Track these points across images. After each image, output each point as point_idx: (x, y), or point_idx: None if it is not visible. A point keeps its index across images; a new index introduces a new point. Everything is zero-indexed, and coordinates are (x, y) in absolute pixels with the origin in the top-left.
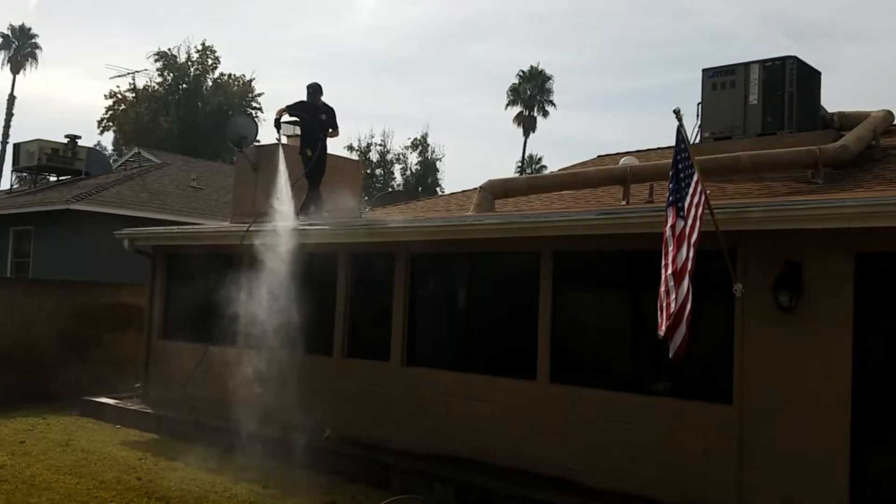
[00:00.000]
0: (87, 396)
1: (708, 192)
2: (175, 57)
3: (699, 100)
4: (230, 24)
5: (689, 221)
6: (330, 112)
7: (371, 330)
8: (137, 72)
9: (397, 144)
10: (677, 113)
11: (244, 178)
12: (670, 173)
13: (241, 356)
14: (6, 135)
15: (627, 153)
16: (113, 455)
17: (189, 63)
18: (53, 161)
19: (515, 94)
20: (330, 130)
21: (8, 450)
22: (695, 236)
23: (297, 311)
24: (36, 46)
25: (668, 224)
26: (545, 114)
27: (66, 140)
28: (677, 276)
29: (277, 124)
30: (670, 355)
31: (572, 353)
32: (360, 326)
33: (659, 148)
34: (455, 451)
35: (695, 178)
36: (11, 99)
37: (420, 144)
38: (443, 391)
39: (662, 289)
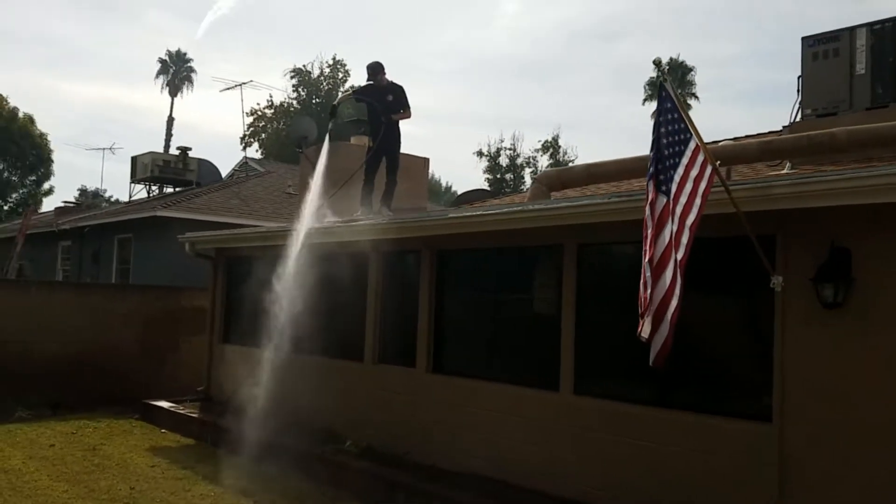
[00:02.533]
0: (147, 400)
1: (718, 162)
2: (309, 73)
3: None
4: (371, 41)
5: (684, 199)
6: (397, 91)
7: (400, 334)
8: (244, 83)
9: (527, 148)
10: (658, 64)
11: (307, 178)
12: (651, 138)
13: (283, 360)
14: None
15: (735, 139)
16: (129, 462)
17: (322, 77)
18: (165, 172)
19: (654, 89)
20: (401, 112)
21: (29, 453)
22: (691, 218)
23: (334, 315)
24: (191, 70)
25: (648, 201)
26: (687, 107)
27: (177, 152)
28: (657, 264)
29: (333, 111)
30: (650, 362)
31: (598, 361)
32: (391, 330)
33: (767, 132)
34: (474, 467)
35: (691, 145)
36: (170, 120)
37: (551, 146)
38: (465, 401)
39: (641, 280)
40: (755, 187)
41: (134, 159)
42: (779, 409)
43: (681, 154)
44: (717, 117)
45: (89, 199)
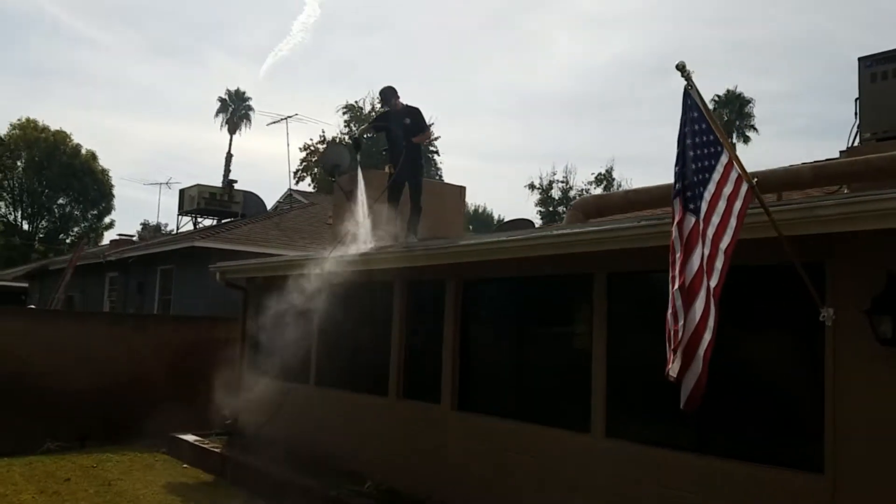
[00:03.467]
0: (175, 433)
1: (755, 179)
2: (360, 108)
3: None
4: (425, 79)
5: (717, 220)
6: (414, 113)
7: (425, 367)
8: (290, 117)
9: (580, 180)
10: (682, 69)
11: (340, 207)
12: (676, 152)
13: (307, 394)
14: None
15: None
16: (141, 499)
17: (373, 113)
18: (211, 204)
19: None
20: (421, 134)
21: (42, 487)
22: (726, 241)
23: (359, 347)
24: (250, 108)
25: (675, 221)
26: (745, 140)
27: (223, 184)
28: (687, 292)
29: (357, 143)
30: (681, 405)
31: (632, 401)
32: (416, 363)
33: (822, 160)
34: None
35: (723, 159)
36: (229, 157)
37: (605, 179)
38: (491, 441)
39: (669, 311)
40: (799, 208)
41: (182, 192)
42: (831, 459)
43: (711, 169)
44: (777, 152)
45: (150, 232)
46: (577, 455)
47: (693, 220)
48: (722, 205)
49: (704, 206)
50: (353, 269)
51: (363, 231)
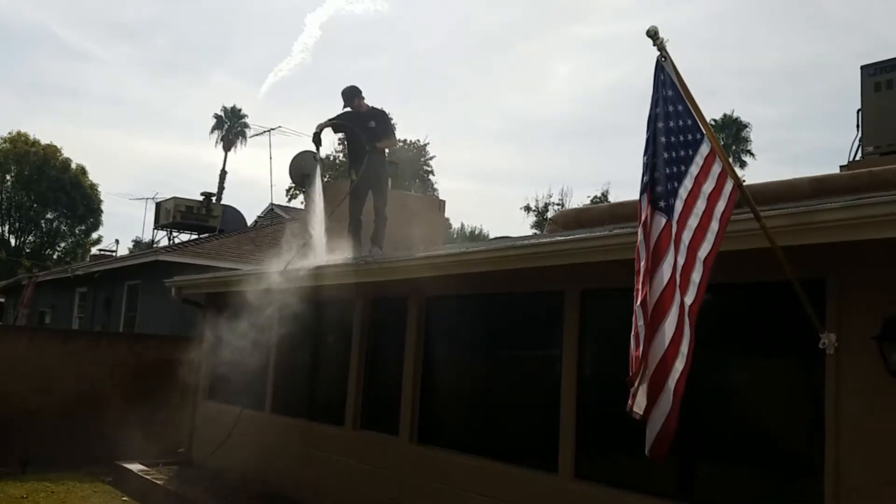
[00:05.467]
0: (121, 461)
1: (743, 178)
2: None
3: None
4: (426, 101)
5: (695, 222)
6: (379, 117)
7: (384, 395)
8: (273, 129)
9: (576, 203)
10: (653, 35)
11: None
12: (646, 137)
13: (262, 422)
14: None
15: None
16: None
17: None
18: (188, 218)
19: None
20: (386, 139)
21: None
22: (705, 248)
23: (317, 371)
24: (245, 126)
25: (640, 221)
26: (742, 164)
27: (201, 198)
28: (654, 309)
29: (317, 139)
30: (646, 451)
31: (605, 438)
32: (375, 390)
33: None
34: None
35: (703, 149)
36: (223, 174)
37: (600, 201)
38: (454, 480)
39: (632, 332)
40: (796, 213)
41: (158, 205)
42: None
43: (688, 161)
44: (774, 178)
45: (143, 248)
46: (546, 496)
47: (664, 220)
48: (701, 204)
49: (679, 205)
50: (309, 284)
51: (320, 242)
